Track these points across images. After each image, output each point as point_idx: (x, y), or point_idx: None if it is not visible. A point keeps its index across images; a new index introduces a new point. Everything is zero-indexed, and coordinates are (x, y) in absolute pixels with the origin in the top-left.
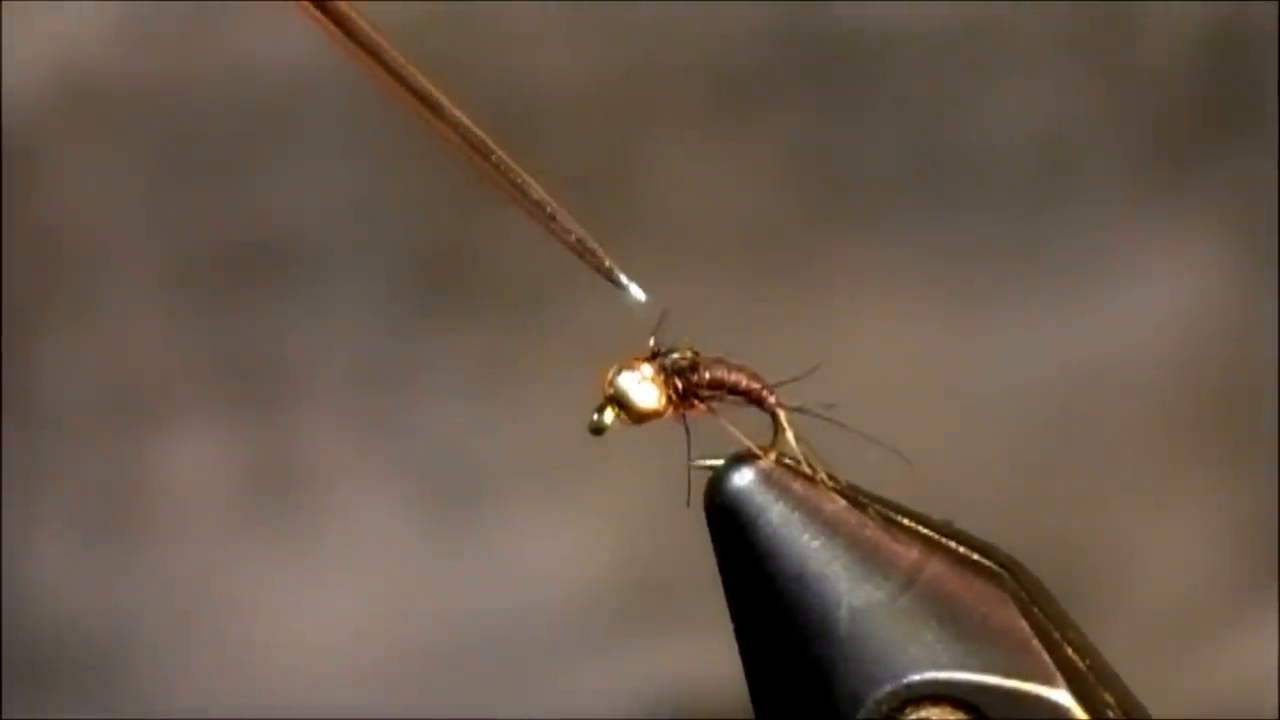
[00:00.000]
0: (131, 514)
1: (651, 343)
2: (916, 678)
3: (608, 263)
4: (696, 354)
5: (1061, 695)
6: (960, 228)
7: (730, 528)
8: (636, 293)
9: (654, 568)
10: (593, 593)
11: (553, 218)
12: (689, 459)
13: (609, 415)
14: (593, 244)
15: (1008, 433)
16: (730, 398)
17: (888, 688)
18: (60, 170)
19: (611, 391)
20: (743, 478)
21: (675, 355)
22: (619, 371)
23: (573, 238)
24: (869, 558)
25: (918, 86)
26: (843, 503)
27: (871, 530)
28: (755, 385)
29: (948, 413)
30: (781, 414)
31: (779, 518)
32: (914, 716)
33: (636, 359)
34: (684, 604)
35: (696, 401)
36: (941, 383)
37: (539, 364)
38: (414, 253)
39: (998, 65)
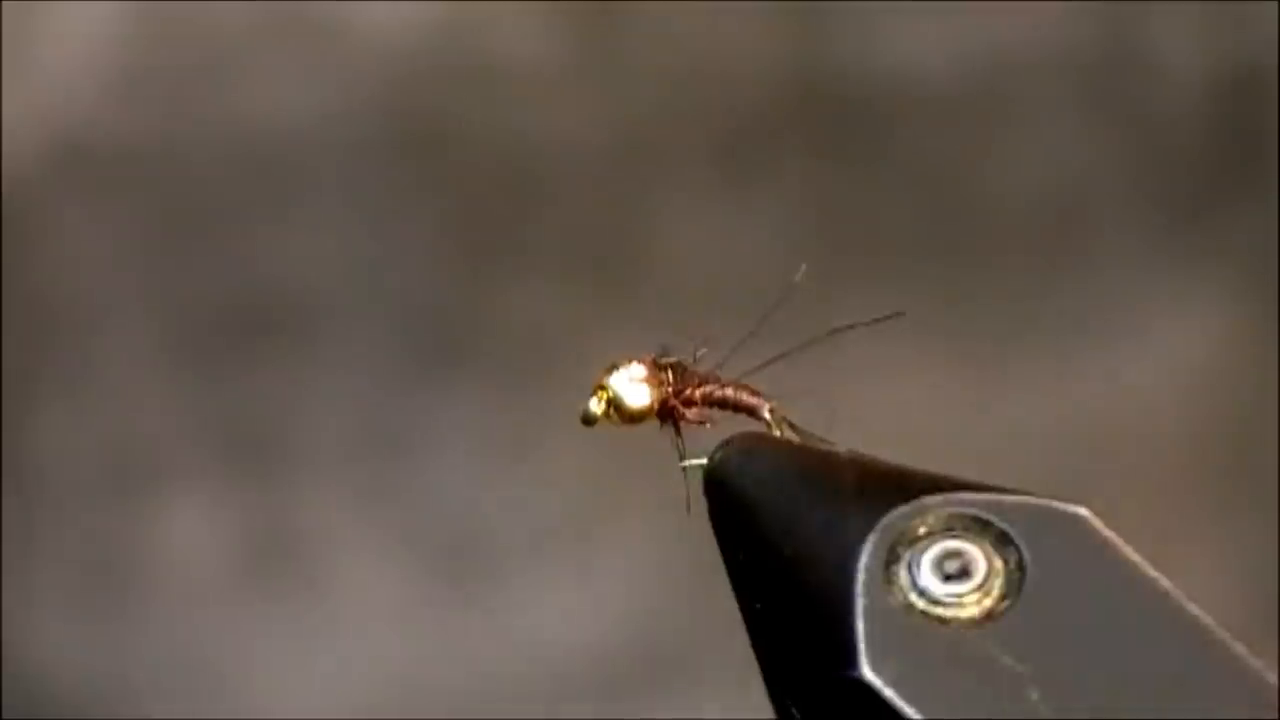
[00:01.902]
0: (130, 582)
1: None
2: (930, 499)
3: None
4: (695, 360)
5: (1081, 510)
6: (970, 280)
7: (722, 494)
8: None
9: (661, 635)
10: (599, 660)
11: None
12: (681, 463)
13: (596, 405)
14: None
15: (1016, 485)
16: (725, 411)
17: (899, 510)
18: (55, 232)
19: (603, 384)
20: (730, 447)
21: (669, 359)
22: (613, 369)
23: None
24: (869, 479)
25: (928, 139)
26: (839, 448)
27: (869, 461)
28: (753, 399)
29: (956, 465)
30: (776, 418)
31: (770, 464)
32: (929, 542)
33: (631, 358)
34: (691, 671)
35: (690, 410)
36: (950, 435)
37: (543, 429)
38: (417, 315)
39: (1008, 117)
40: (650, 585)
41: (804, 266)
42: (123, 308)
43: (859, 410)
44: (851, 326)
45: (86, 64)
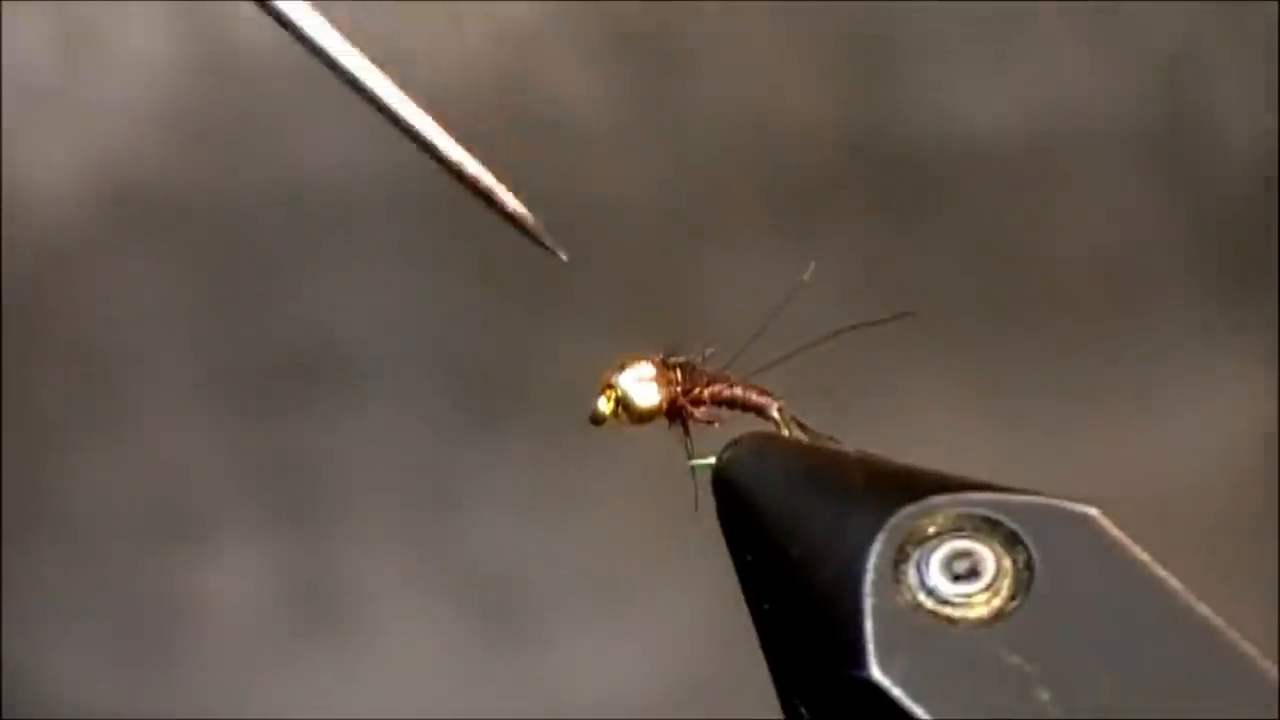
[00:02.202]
0: (172, 629)
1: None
2: (939, 499)
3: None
4: (704, 360)
5: (1090, 509)
6: (1024, 342)
7: (730, 494)
8: (561, 255)
9: (704, 688)
10: (642, 714)
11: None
12: (689, 462)
13: (604, 404)
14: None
15: None
16: (734, 410)
17: (908, 509)
18: (105, 278)
19: (612, 384)
20: (739, 447)
21: (678, 359)
22: (621, 368)
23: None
24: (878, 479)
25: (985, 199)
26: (848, 447)
27: (878, 460)
28: (761, 399)
29: None
30: (784, 417)
31: (779, 463)
32: (938, 542)
33: (639, 357)
34: None
35: (698, 409)
36: None
37: (588, 481)
38: (464, 367)
39: (1066, 180)
40: (690, 640)
41: (812, 264)
42: (170, 355)
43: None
44: (856, 327)
45: (139, 112)
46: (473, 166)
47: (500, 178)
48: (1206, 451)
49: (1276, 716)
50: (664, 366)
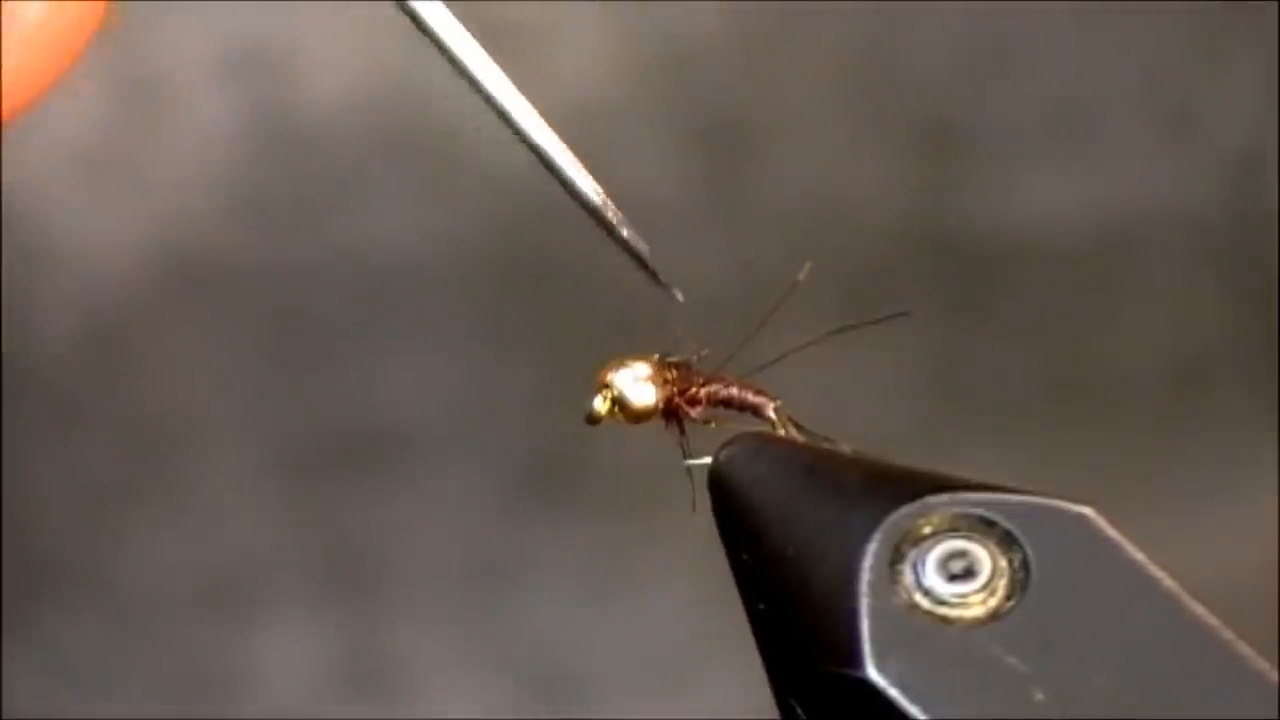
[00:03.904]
0: (225, 704)
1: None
2: (935, 498)
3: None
4: (699, 360)
5: (1086, 509)
6: (1086, 445)
7: (726, 494)
8: (677, 294)
9: None
10: None
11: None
12: (685, 462)
13: (600, 403)
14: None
15: None
16: (730, 410)
17: (904, 509)
18: (163, 350)
19: (607, 383)
20: (735, 446)
21: (675, 358)
22: (617, 368)
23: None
24: (874, 479)
25: (1051, 295)
26: (844, 447)
27: (874, 460)
28: (758, 398)
29: None
30: (781, 417)
31: (774, 463)
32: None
33: (635, 357)
34: None
35: (694, 409)
36: None
37: (645, 566)
38: (522, 447)
39: (1134, 276)
40: None
41: (808, 264)
42: (224, 429)
43: None
44: (854, 326)
45: (202, 182)
46: (594, 194)
47: (559, 259)
48: (1270, 554)
49: (1274, 718)
50: (660, 366)
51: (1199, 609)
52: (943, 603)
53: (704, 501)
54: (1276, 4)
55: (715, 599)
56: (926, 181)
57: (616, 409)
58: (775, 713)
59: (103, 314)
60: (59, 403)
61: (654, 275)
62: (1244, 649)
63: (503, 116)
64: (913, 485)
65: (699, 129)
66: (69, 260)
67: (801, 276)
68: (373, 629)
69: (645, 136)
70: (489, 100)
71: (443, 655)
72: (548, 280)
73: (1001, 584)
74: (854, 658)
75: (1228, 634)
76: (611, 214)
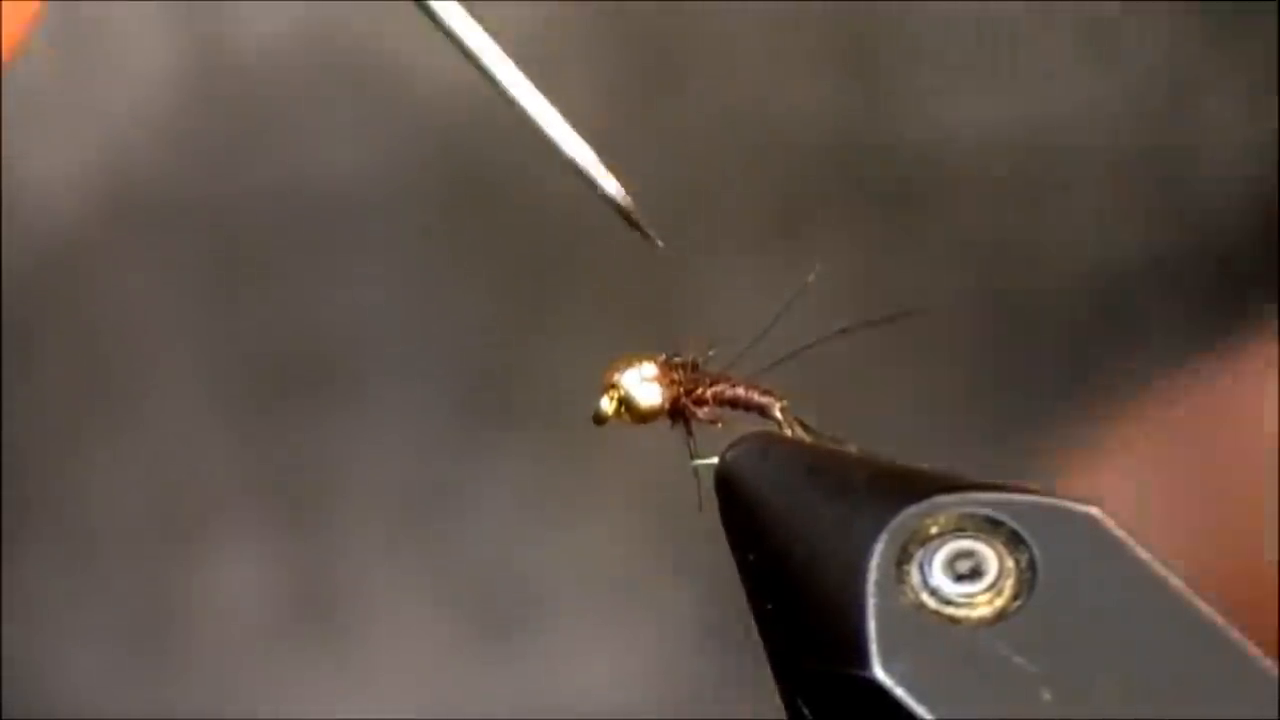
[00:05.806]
0: (173, 631)
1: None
2: (942, 498)
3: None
4: (706, 359)
5: (1093, 509)
6: (1008, 362)
7: (733, 494)
8: (657, 242)
9: (706, 693)
10: (641, 715)
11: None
12: (692, 462)
13: (607, 404)
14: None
15: None
16: (737, 410)
17: (911, 509)
18: (107, 282)
19: (614, 384)
20: (742, 446)
21: (680, 358)
22: (624, 368)
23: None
24: (881, 478)
25: (975, 216)
26: (851, 446)
27: (881, 460)
28: (764, 398)
29: None
30: (787, 417)
31: (781, 463)
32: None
33: (642, 357)
34: None
35: (701, 409)
36: None
37: (587, 486)
38: (465, 372)
39: (1054, 199)
40: (691, 646)
41: (818, 266)
42: (172, 358)
43: None
44: (857, 327)
45: (141, 116)
46: (578, 149)
47: (498, 184)
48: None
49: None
50: (667, 366)
51: (1206, 608)
52: (950, 602)
53: (709, 502)
54: None
55: (658, 521)
56: (854, 100)
57: (623, 409)
58: (735, 644)
59: (48, 248)
60: (4, 335)
61: (637, 226)
62: (1251, 648)
63: (521, 114)
64: (919, 485)
65: (626, 50)
66: (12, 194)
67: (811, 278)
68: (319, 554)
69: (573, 57)
70: (503, 93)
71: (389, 579)
72: (487, 206)
73: (1008, 584)
74: (861, 658)
75: (1236, 633)
76: (593, 165)
